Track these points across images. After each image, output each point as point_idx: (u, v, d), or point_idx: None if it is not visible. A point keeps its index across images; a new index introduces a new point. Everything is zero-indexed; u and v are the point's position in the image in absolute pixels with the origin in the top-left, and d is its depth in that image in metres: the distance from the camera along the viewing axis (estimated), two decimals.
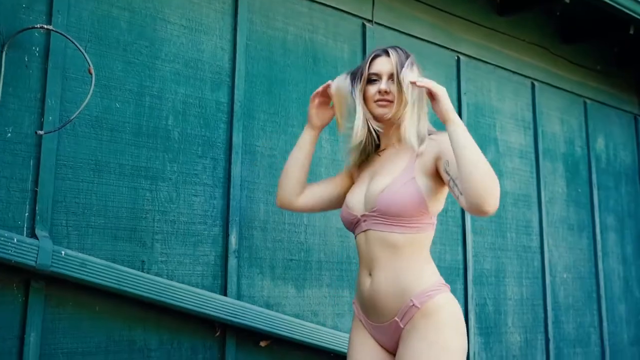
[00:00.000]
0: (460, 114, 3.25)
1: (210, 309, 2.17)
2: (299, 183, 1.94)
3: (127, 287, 1.99)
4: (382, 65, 1.79)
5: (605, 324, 3.82)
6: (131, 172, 2.13)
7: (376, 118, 1.81)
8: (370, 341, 1.78)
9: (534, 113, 3.67)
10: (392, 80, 1.78)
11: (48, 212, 1.92)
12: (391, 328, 1.70)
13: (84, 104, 1.83)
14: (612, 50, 4.22)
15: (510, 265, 3.37)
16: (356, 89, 1.83)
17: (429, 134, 1.77)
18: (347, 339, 2.50)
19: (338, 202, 1.97)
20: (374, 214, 1.72)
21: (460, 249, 3.13)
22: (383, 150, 1.86)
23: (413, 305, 1.65)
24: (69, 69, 2.02)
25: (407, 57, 1.80)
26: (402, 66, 1.77)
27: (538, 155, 3.63)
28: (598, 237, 3.90)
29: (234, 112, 2.40)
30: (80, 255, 1.92)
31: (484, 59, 3.43)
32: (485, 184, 1.51)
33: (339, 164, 2.61)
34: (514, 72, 3.59)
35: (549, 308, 3.50)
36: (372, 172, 1.83)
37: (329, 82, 1.90)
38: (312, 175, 2.61)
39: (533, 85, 3.70)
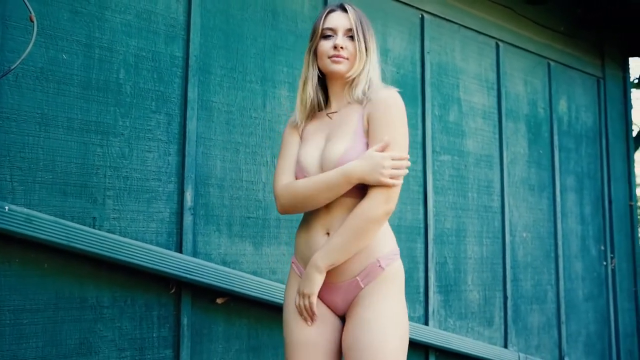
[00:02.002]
0: (423, 73, 3.23)
1: (165, 266, 2.14)
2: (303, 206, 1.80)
3: (77, 243, 1.95)
4: (338, 20, 1.74)
5: (562, 281, 3.92)
6: (80, 126, 2.06)
7: (328, 75, 1.77)
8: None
9: (498, 74, 3.67)
10: (349, 35, 1.74)
11: None
12: (350, 287, 1.68)
13: (25, 53, 1.75)
14: (576, 12, 4.22)
15: (471, 225, 3.40)
16: (309, 57, 1.79)
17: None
18: None
19: None
20: None
21: (421, 208, 3.15)
22: (334, 112, 1.80)
23: (379, 265, 1.66)
24: (10, 16, 1.93)
25: (362, 13, 1.77)
26: (360, 23, 1.74)
27: (501, 116, 3.65)
28: (558, 198, 3.97)
29: (189, 67, 2.34)
30: (26, 210, 1.86)
31: (448, 17, 3.39)
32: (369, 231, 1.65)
33: None
34: (478, 32, 3.56)
35: (508, 267, 3.57)
36: (326, 133, 1.77)
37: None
38: (271, 132, 2.57)
39: (497, 46, 3.68)
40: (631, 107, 4.76)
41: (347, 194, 1.67)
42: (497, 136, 3.62)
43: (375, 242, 1.67)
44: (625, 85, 4.68)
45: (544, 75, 4.02)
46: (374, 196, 1.63)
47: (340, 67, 1.73)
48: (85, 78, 2.08)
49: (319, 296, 1.72)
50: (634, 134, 4.82)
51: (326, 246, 1.65)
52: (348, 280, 1.68)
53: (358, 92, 1.72)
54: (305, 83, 1.80)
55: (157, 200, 2.23)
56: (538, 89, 3.96)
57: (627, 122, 4.68)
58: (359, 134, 1.69)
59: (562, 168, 4.05)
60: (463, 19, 3.47)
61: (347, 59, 1.73)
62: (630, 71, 4.92)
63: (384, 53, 3.06)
